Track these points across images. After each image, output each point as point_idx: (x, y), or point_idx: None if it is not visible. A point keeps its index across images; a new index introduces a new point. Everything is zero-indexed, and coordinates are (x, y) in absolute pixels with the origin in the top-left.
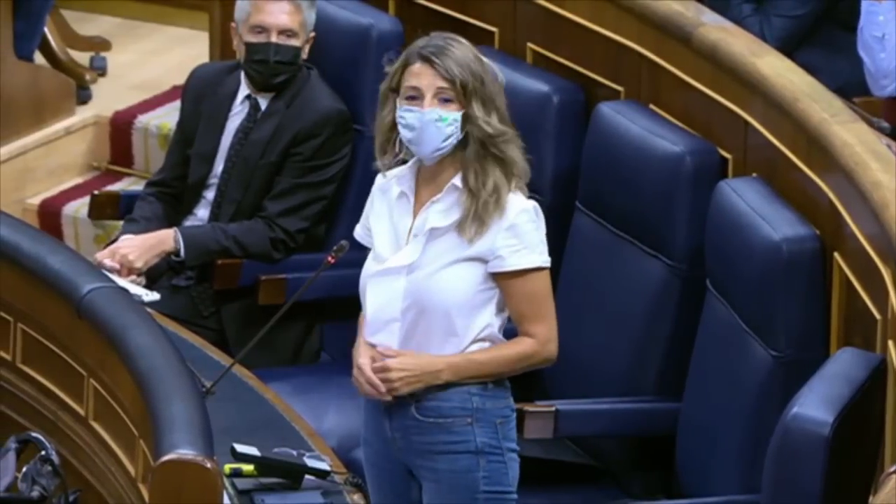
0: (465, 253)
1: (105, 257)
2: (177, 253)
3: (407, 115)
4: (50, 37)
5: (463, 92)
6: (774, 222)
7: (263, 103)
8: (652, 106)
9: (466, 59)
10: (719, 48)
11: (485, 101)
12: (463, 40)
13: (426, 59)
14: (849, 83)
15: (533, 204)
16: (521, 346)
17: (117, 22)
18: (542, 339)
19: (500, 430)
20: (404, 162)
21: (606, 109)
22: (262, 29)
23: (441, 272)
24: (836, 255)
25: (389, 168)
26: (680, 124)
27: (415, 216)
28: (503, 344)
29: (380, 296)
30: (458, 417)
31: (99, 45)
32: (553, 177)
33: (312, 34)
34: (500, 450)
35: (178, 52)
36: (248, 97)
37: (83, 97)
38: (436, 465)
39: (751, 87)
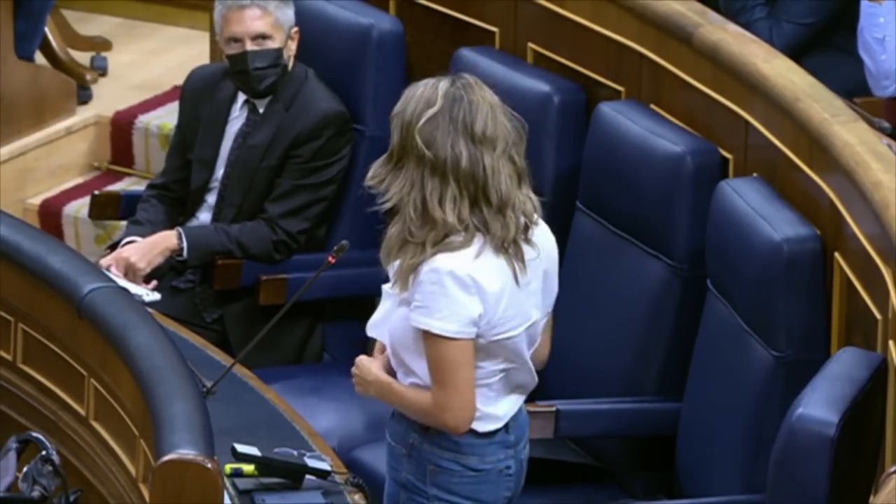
0: (401, 294)
1: (109, 264)
2: (179, 252)
3: None
4: (51, 37)
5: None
6: (775, 222)
7: (262, 107)
8: (653, 106)
9: (405, 104)
10: (720, 48)
11: (390, 153)
12: (446, 90)
13: None
14: (857, 85)
15: (450, 268)
16: (424, 399)
17: (118, 22)
18: (437, 404)
19: (430, 476)
20: None
21: (607, 109)
22: (236, 39)
23: (395, 308)
24: (836, 255)
25: None
26: (681, 124)
27: None
28: (419, 389)
29: (383, 307)
30: (398, 445)
31: (100, 44)
32: (553, 177)
33: (295, 29)
34: (425, 494)
35: (179, 52)
36: (246, 102)
37: (84, 97)
38: (385, 480)
39: (751, 87)
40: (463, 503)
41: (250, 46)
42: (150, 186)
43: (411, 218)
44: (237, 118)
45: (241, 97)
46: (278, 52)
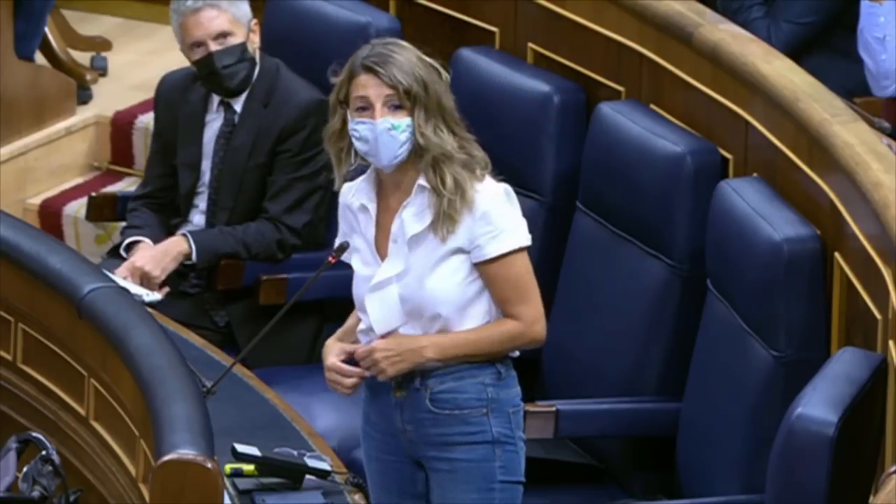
0: (446, 249)
1: (124, 275)
2: (189, 256)
3: (360, 127)
4: (51, 37)
5: (407, 97)
6: (775, 222)
7: (238, 106)
8: (653, 106)
9: (410, 65)
10: (720, 48)
11: (428, 108)
12: (405, 44)
13: (370, 69)
14: (858, 85)
15: (503, 186)
16: (506, 327)
17: (118, 22)
18: (528, 321)
19: (513, 419)
20: (362, 171)
21: (607, 109)
22: (199, 44)
23: (430, 275)
24: (836, 255)
25: (347, 180)
26: (681, 124)
27: (377, 225)
28: (488, 325)
29: (380, 309)
30: (474, 409)
31: (100, 45)
32: (553, 177)
33: (255, 21)
34: (514, 439)
35: (179, 52)
36: (221, 102)
37: (84, 97)
38: (452, 455)
39: (752, 86)
40: (522, 436)
41: (214, 47)
42: (134, 198)
43: (464, 142)
44: (214, 119)
45: (216, 98)
46: (242, 47)
